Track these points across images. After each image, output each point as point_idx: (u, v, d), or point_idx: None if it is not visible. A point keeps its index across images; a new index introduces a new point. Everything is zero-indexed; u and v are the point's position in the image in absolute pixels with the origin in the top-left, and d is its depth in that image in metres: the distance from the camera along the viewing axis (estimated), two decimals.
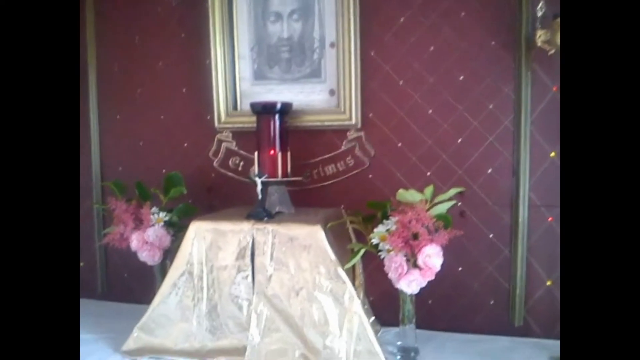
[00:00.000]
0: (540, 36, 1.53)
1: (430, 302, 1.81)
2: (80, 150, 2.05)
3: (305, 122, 1.91)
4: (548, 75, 1.68)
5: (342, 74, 1.85)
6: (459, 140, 1.80)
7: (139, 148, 2.16)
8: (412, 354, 1.62)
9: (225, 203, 1.98)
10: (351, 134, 1.89)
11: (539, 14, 1.51)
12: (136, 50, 2.11)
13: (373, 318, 1.79)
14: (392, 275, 1.49)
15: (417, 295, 1.56)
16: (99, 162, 2.19)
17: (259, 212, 1.65)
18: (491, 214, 1.78)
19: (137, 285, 2.07)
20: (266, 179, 1.70)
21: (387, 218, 1.56)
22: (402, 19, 1.81)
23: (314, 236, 1.55)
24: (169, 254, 1.83)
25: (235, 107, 2.00)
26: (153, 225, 1.82)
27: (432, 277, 1.47)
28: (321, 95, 1.92)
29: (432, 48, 1.80)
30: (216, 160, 2.06)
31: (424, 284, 1.49)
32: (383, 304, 1.80)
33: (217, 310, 1.63)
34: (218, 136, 2.04)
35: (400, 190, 1.49)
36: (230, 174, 2.05)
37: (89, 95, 2.16)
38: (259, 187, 1.67)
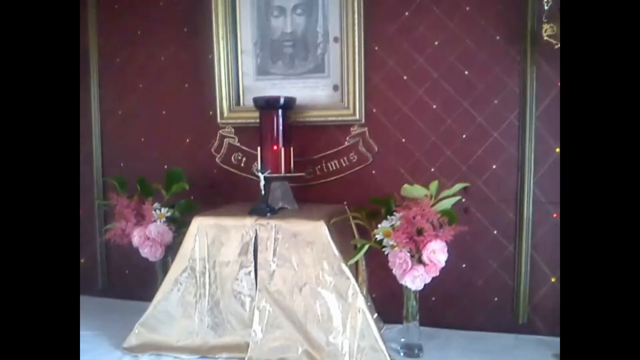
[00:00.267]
0: (547, 30, 1.52)
1: (433, 299, 1.80)
2: (81, 145, 2.03)
3: (309, 118, 1.89)
4: (553, 70, 1.66)
5: (345, 69, 1.84)
6: (464, 135, 1.78)
7: (140, 144, 2.14)
8: (416, 351, 1.60)
9: (228, 199, 1.97)
10: (354, 130, 1.88)
11: (546, 7, 1.49)
12: (138, 45, 2.10)
13: (376, 315, 1.78)
14: (396, 271, 1.48)
15: (420, 292, 1.56)
16: (100, 158, 2.18)
17: (262, 208, 1.64)
18: (495, 210, 1.77)
19: (138, 282, 2.06)
20: (269, 175, 1.69)
21: (391, 214, 1.55)
22: (406, 14, 1.80)
23: (317, 232, 1.54)
24: (171, 250, 1.82)
25: (238, 103, 1.99)
26: (155, 221, 1.81)
27: (436, 273, 1.46)
28: (325, 91, 1.90)
29: (436, 43, 1.78)
30: (218, 156, 2.04)
31: (428, 280, 1.47)
32: (386, 301, 1.79)
33: (220, 307, 1.62)
34: (220, 132, 2.03)
35: (405, 186, 1.48)
36: (232, 170, 2.03)
37: (90, 90, 2.15)
38: (262, 183, 1.66)
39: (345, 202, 1.88)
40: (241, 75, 1.99)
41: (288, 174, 1.78)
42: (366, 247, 1.52)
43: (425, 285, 1.49)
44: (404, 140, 1.84)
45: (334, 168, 1.92)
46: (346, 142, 1.90)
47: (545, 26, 1.52)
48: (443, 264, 1.45)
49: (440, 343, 1.70)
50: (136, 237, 1.80)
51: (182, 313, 1.64)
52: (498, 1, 1.71)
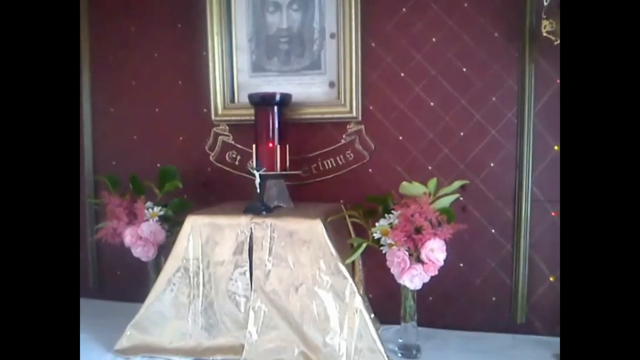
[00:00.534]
0: (546, 26, 1.51)
1: (430, 299, 1.78)
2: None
3: (304, 115, 1.86)
4: (552, 67, 1.65)
5: (342, 66, 1.81)
6: (461, 133, 1.76)
7: (133, 142, 2.10)
8: (414, 352, 1.58)
9: (222, 198, 1.94)
10: (351, 127, 1.85)
11: (545, 3, 1.48)
12: (131, 42, 2.06)
13: (372, 315, 1.75)
14: (394, 270, 1.45)
15: (417, 292, 1.53)
16: (92, 156, 2.13)
17: (257, 206, 1.61)
18: (493, 208, 1.75)
19: (131, 282, 2.01)
20: (265, 172, 1.66)
21: (389, 212, 1.52)
22: (403, 10, 1.78)
23: (314, 230, 1.51)
24: (164, 250, 1.78)
25: (232, 100, 1.95)
26: (147, 220, 1.77)
27: (435, 272, 1.44)
28: (321, 88, 1.87)
29: (434, 39, 1.76)
30: (212, 154, 2.01)
31: (426, 279, 1.45)
32: (383, 301, 1.76)
33: (214, 308, 1.58)
34: (214, 129, 1.99)
35: (404, 183, 1.46)
36: (226, 168, 2.00)
37: (82, 87, 2.10)
38: (257, 181, 1.63)
39: (341, 201, 1.86)
40: (236, 72, 1.95)
41: (284, 172, 1.75)
42: (364, 246, 1.49)
43: (422, 284, 1.47)
44: (401, 137, 1.82)
45: (330, 166, 1.89)
46: (342, 140, 1.87)
47: (545, 22, 1.51)
48: (442, 263, 1.43)
49: (438, 343, 1.67)
50: (128, 237, 1.76)
51: (175, 314, 1.60)
52: None
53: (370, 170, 1.86)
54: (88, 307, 2.02)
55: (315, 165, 1.91)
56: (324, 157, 1.89)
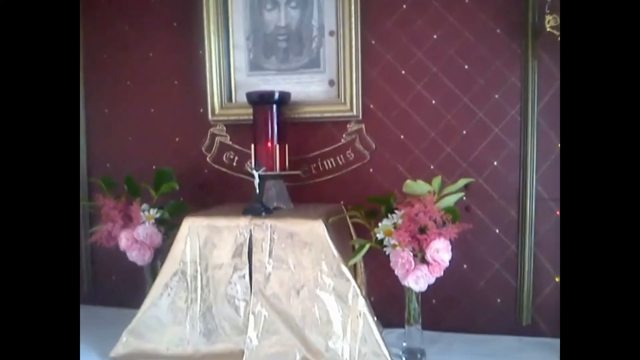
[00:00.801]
0: (549, 21, 1.48)
1: (434, 301, 1.74)
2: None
3: (303, 114, 1.83)
4: (556, 64, 1.62)
5: (342, 64, 1.77)
6: (464, 131, 1.73)
7: (128, 143, 2.06)
8: (419, 356, 1.54)
9: (219, 200, 1.89)
10: (351, 126, 1.82)
11: None
12: (126, 41, 2.01)
13: (375, 319, 1.71)
14: (398, 271, 1.41)
15: (420, 294, 1.50)
16: (86, 158, 2.08)
17: (257, 207, 1.57)
18: (497, 208, 1.72)
19: (126, 288, 1.96)
20: (264, 173, 1.62)
21: (392, 212, 1.49)
22: (404, 6, 1.75)
23: (315, 232, 1.47)
24: (160, 253, 1.74)
25: (230, 99, 1.91)
26: (143, 222, 1.72)
27: (440, 273, 1.40)
28: (320, 86, 1.84)
29: (435, 36, 1.73)
30: (209, 155, 1.96)
31: (432, 281, 1.41)
32: (384, 304, 1.72)
33: (212, 312, 1.54)
34: (211, 130, 1.95)
35: (408, 181, 1.42)
36: (224, 169, 1.96)
37: None
38: (257, 181, 1.58)
39: (342, 202, 1.82)
40: (233, 70, 1.91)
41: (283, 172, 1.71)
42: (367, 246, 1.45)
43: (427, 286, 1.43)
44: (402, 136, 1.79)
45: (330, 166, 1.85)
46: (342, 140, 1.84)
47: (548, 17, 1.48)
48: (447, 264, 1.39)
49: (443, 347, 1.64)
50: (123, 240, 1.71)
51: (173, 319, 1.55)
52: None
53: (371, 170, 1.82)
54: (82, 313, 1.93)
55: (314, 165, 1.87)
56: (324, 157, 1.86)
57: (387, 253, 1.46)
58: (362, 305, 1.43)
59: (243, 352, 1.48)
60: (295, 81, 1.85)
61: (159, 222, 1.75)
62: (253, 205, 1.58)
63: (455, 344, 1.67)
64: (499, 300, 1.74)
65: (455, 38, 1.71)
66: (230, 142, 1.94)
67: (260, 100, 1.69)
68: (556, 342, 1.61)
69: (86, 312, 1.99)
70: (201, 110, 1.94)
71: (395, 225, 1.42)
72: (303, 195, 1.83)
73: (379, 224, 1.48)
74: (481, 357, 1.57)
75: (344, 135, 1.83)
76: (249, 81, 1.90)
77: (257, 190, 1.59)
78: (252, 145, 1.71)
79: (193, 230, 1.56)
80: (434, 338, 1.67)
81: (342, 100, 1.79)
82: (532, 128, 1.65)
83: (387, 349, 1.40)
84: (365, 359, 1.41)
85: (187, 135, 1.99)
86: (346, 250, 1.54)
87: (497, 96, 1.70)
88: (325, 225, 1.47)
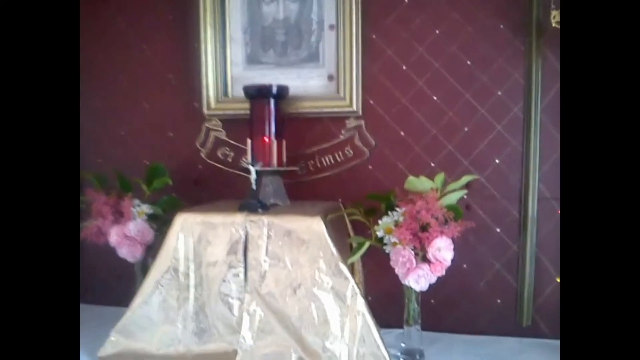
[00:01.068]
0: (555, 17, 1.45)
1: (433, 302, 1.70)
2: None
3: (301, 109, 1.78)
4: (559, 59, 1.59)
5: (341, 58, 1.73)
6: (465, 128, 1.70)
7: (120, 138, 2.00)
8: (417, 357, 1.50)
9: (213, 197, 1.85)
10: (350, 123, 1.78)
11: None
12: (119, 33, 1.96)
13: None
14: (399, 270, 1.37)
15: (419, 294, 1.46)
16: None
17: (253, 204, 1.52)
18: (498, 207, 1.69)
19: (116, 285, 1.90)
20: (261, 168, 1.57)
21: (392, 209, 1.45)
22: (405, 1, 1.71)
23: (313, 229, 1.43)
24: (151, 250, 1.68)
25: (225, 94, 1.87)
26: (135, 218, 1.67)
27: (442, 272, 1.36)
28: (319, 81, 1.79)
29: (437, 31, 1.70)
30: (204, 150, 1.92)
31: (433, 280, 1.37)
32: (382, 304, 1.67)
33: (205, 311, 1.49)
34: (206, 124, 1.90)
35: (410, 178, 1.38)
36: (219, 165, 1.91)
37: None
38: (253, 176, 1.54)
39: (340, 199, 1.77)
40: (229, 64, 1.86)
41: (281, 168, 1.66)
42: (367, 244, 1.41)
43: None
44: (402, 133, 1.75)
45: (329, 163, 1.81)
46: (341, 136, 1.79)
47: (554, 12, 1.45)
48: (449, 263, 1.36)
49: (442, 348, 1.60)
50: (114, 236, 1.65)
51: (164, 318, 1.50)
52: None
53: (370, 167, 1.78)
54: None
55: (312, 162, 1.82)
56: (322, 154, 1.81)
57: (387, 251, 1.42)
58: (360, 304, 1.38)
59: (237, 352, 1.43)
60: (293, 76, 1.80)
61: (151, 218, 1.70)
62: (249, 201, 1.53)
63: (455, 344, 1.63)
64: (499, 301, 1.71)
65: (458, 34, 1.68)
66: (226, 138, 1.89)
67: (258, 94, 1.65)
68: (557, 343, 1.58)
69: None
70: (196, 104, 1.89)
71: (396, 223, 1.38)
72: (300, 192, 1.78)
73: (379, 222, 1.45)
74: (482, 358, 1.53)
75: (342, 132, 1.79)
76: (246, 75, 1.85)
77: (254, 186, 1.54)
78: (249, 140, 1.66)
79: (186, 227, 1.51)
80: (432, 339, 1.63)
81: (342, 96, 1.75)
82: (535, 126, 1.62)
83: (386, 350, 1.36)
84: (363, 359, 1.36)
85: (181, 130, 1.94)
86: (344, 249, 1.50)
87: (499, 93, 1.66)
88: (324, 223, 1.43)
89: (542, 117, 1.62)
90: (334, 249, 1.41)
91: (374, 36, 1.74)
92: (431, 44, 1.70)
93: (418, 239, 1.35)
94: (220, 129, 1.89)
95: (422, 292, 1.45)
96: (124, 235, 1.65)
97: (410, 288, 1.42)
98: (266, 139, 1.64)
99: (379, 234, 1.42)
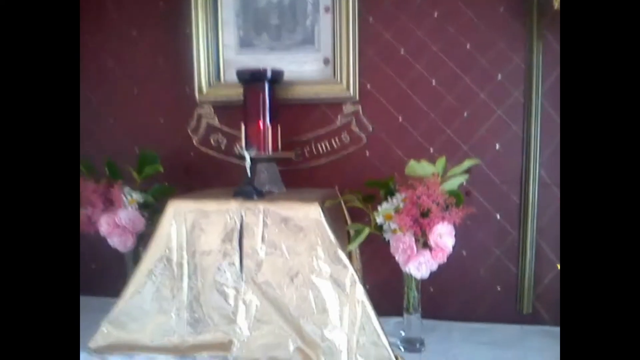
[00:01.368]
0: None
1: (431, 289, 1.67)
2: None
3: (297, 94, 1.73)
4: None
5: (337, 42, 1.68)
6: (465, 113, 1.66)
7: (109, 125, 1.94)
8: (417, 345, 1.48)
9: (205, 185, 1.79)
10: (347, 108, 1.73)
11: None
12: (108, 18, 1.89)
13: None
14: (399, 257, 1.34)
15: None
16: None
17: (248, 190, 1.47)
18: (499, 193, 1.66)
19: (106, 276, 1.84)
20: (256, 154, 1.53)
21: (391, 195, 1.41)
22: None
23: (311, 216, 1.39)
24: (143, 239, 1.63)
25: (218, 78, 1.81)
26: (125, 207, 1.62)
27: (444, 259, 1.33)
28: (314, 65, 1.74)
29: (436, 14, 1.65)
30: (196, 137, 1.86)
31: (434, 267, 1.35)
32: (380, 292, 1.64)
33: (200, 301, 1.45)
34: (198, 111, 1.84)
35: (411, 162, 1.35)
36: (211, 152, 1.86)
37: None
38: (248, 162, 1.49)
39: (336, 186, 1.73)
40: (222, 48, 1.81)
41: (276, 154, 1.61)
42: (366, 231, 1.37)
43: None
44: (400, 118, 1.71)
45: (325, 150, 1.77)
46: (338, 122, 1.75)
47: None
48: (450, 249, 1.33)
49: (442, 336, 1.57)
50: (104, 225, 1.60)
51: (157, 308, 1.45)
52: None
53: (367, 153, 1.74)
54: None
55: (308, 148, 1.78)
56: (318, 140, 1.77)
57: (386, 239, 1.39)
58: (360, 292, 1.35)
59: (232, 343, 1.39)
60: (288, 60, 1.75)
61: (142, 206, 1.65)
62: (244, 188, 1.49)
63: (455, 332, 1.61)
64: (499, 288, 1.68)
65: (457, 16, 1.64)
66: (218, 124, 1.84)
67: (251, 79, 1.60)
68: (557, 330, 1.57)
69: None
70: (187, 90, 1.83)
71: (396, 209, 1.35)
72: (295, 180, 1.74)
73: (378, 208, 1.41)
74: (483, 346, 1.51)
75: (339, 117, 1.75)
76: (239, 59, 1.80)
77: (249, 172, 1.50)
78: (243, 126, 1.61)
79: (179, 215, 1.47)
80: (432, 327, 1.61)
81: (338, 80, 1.70)
82: (536, 110, 1.59)
83: (386, 339, 1.33)
84: (363, 349, 1.33)
85: (173, 117, 1.88)
86: (341, 237, 1.47)
87: (499, 77, 1.63)
88: (322, 209, 1.39)
89: (543, 101, 1.59)
90: (332, 236, 1.37)
91: (370, 19, 1.69)
92: (430, 27, 1.66)
93: (419, 225, 1.32)
94: (213, 115, 1.84)
95: (421, 280, 1.42)
96: (114, 224, 1.60)
97: (411, 276, 1.39)
98: (261, 125, 1.60)
99: (379, 220, 1.39)
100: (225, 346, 1.40)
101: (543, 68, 1.58)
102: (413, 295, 1.46)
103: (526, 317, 1.65)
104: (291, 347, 1.37)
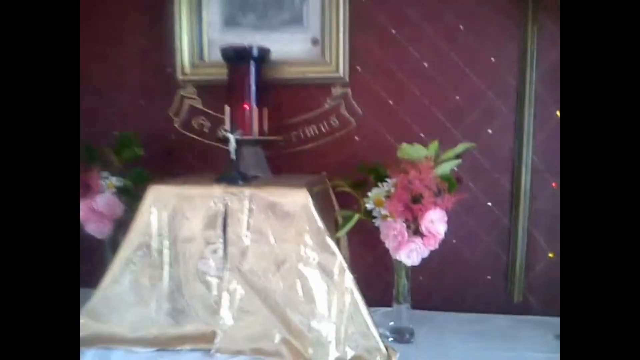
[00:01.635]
0: None
1: (420, 278, 1.63)
2: None
3: (284, 75, 1.66)
4: (556, 28, 1.52)
5: (327, 21, 1.62)
6: (457, 97, 1.62)
7: (86, 107, 1.83)
8: (407, 336, 1.44)
9: (188, 170, 1.73)
10: (336, 90, 1.67)
11: None
12: None
13: None
14: (390, 244, 1.30)
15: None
16: None
17: (233, 175, 1.41)
18: (490, 179, 1.62)
19: (83, 264, 1.75)
20: (241, 137, 1.46)
21: (382, 181, 1.36)
22: None
23: (299, 202, 1.33)
24: (122, 226, 1.56)
25: (201, 57, 1.73)
26: (103, 192, 1.54)
27: (435, 245, 1.29)
28: (302, 45, 1.67)
29: None
30: (177, 120, 1.78)
31: (426, 254, 1.30)
32: (367, 282, 1.59)
33: (181, 291, 1.38)
34: (180, 92, 1.76)
35: (404, 145, 1.30)
36: (193, 136, 1.78)
37: None
38: (233, 145, 1.42)
39: (324, 172, 1.68)
40: (205, 26, 1.72)
41: (262, 138, 1.55)
42: (356, 217, 1.32)
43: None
44: (391, 102, 1.65)
45: (312, 134, 1.71)
46: (326, 105, 1.69)
47: None
48: (442, 236, 1.29)
49: (432, 326, 1.54)
50: (81, 211, 1.52)
51: (136, 298, 1.39)
52: None
53: (356, 138, 1.69)
54: None
55: (295, 132, 1.72)
56: (306, 124, 1.71)
57: (376, 225, 1.34)
58: (349, 281, 1.30)
59: (216, 334, 1.34)
60: (274, 39, 1.67)
61: (120, 191, 1.58)
62: (229, 172, 1.42)
63: (445, 322, 1.57)
64: (489, 277, 1.66)
65: None
66: (202, 106, 1.76)
67: (236, 57, 1.52)
68: (549, 320, 1.55)
69: None
70: (169, 70, 1.75)
71: (387, 194, 1.30)
72: (282, 165, 1.68)
73: (368, 194, 1.36)
74: (474, 336, 1.47)
75: (328, 100, 1.68)
76: (223, 38, 1.71)
77: (233, 156, 1.43)
78: (227, 107, 1.54)
79: (160, 200, 1.39)
80: (421, 317, 1.57)
81: (327, 60, 1.64)
82: (530, 95, 1.55)
83: (375, 329, 1.29)
84: (351, 339, 1.28)
85: (153, 98, 1.80)
86: (329, 224, 1.41)
87: (493, 60, 1.59)
88: (310, 195, 1.33)
89: (537, 86, 1.55)
90: (320, 223, 1.31)
91: None
92: (423, 8, 1.60)
93: (410, 211, 1.27)
94: (195, 97, 1.76)
95: (411, 269, 1.38)
96: (91, 210, 1.53)
97: (400, 263, 1.35)
98: (246, 106, 1.53)
99: (369, 206, 1.34)
100: (207, 337, 1.35)
101: (538, 52, 1.54)
102: (403, 284, 1.42)
103: (516, 306, 1.63)
104: (277, 338, 1.32)
